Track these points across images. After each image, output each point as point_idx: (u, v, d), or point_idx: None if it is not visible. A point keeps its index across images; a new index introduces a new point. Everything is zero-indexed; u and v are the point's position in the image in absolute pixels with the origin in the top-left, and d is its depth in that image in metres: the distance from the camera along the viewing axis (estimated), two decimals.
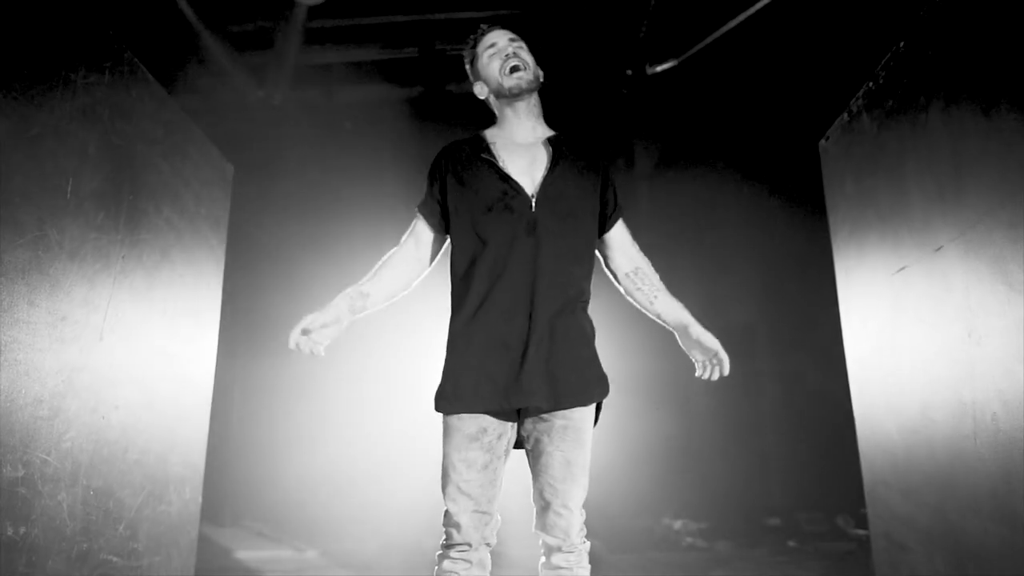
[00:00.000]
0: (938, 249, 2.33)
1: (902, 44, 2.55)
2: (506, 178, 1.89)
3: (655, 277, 2.05)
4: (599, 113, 5.27)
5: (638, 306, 2.06)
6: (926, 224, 2.40)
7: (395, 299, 2.03)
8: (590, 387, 1.88)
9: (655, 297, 2.02)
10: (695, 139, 5.48)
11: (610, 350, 5.23)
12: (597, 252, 2.08)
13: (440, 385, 1.88)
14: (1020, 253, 1.91)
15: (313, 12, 4.58)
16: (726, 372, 1.91)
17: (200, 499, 3.10)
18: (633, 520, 5.18)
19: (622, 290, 2.08)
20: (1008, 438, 2.01)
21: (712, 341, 1.92)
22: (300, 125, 5.47)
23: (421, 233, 2.02)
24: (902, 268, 2.58)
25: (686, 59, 4.87)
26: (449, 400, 1.84)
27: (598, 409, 1.95)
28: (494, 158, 1.93)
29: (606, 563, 4.37)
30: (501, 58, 1.98)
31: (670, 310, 2.01)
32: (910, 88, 2.49)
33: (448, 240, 2.03)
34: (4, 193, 1.98)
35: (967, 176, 2.15)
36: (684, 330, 1.97)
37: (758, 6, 4.32)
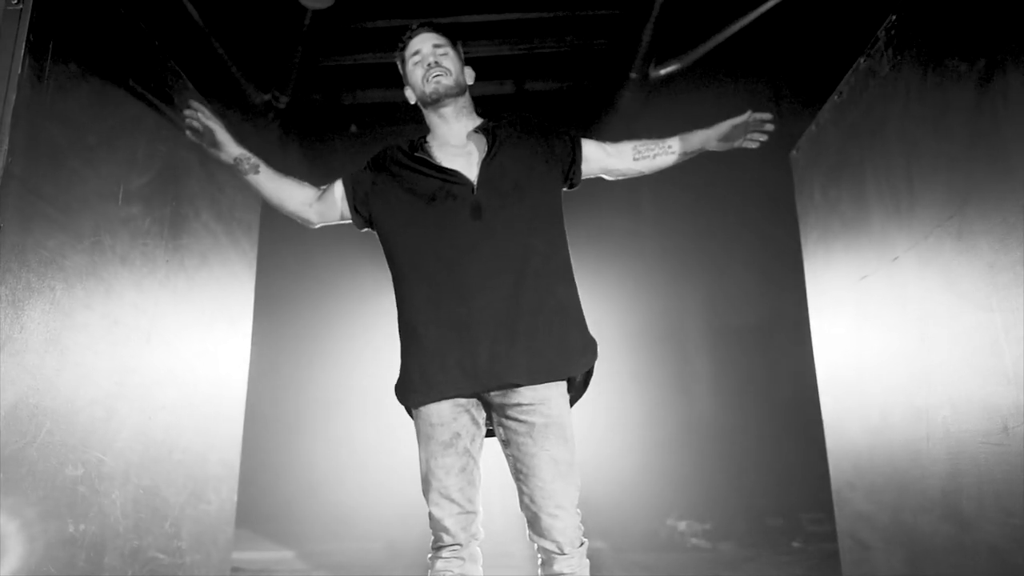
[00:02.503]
0: (895, 259, 2.43)
1: (862, 60, 2.64)
2: (443, 170, 1.90)
3: (651, 140, 2.08)
4: (602, 115, 5.37)
5: (668, 166, 2.10)
6: (884, 234, 2.51)
7: (263, 198, 2.08)
8: (571, 358, 1.86)
9: (668, 147, 2.07)
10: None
11: (614, 347, 5.32)
12: (606, 175, 2.10)
13: (403, 377, 1.87)
14: (965, 264, 2.02)
15: (319, 15, 4.63)
16: (766, 116, 2.03)
17: (236, 498, 3.17)
18: (638, 521, 5.23)
19: (647, 171, 2.10)
20: (956, 441, 2.11)
21: (733, 119, 2.04)
22: (305, 127, 5.51)
23: (335, 191, 2.05)
24: (864, 276, 2.68)
25: (677, 67, 4.97)
26: (419, 391, 1.82)
27: (588, 379, 1.92)
28: (429, 156, 1.94)
29: (611, 563, 4.43)
30: (424, 67, 1.96)
31: (688, 141, 2.08)
32: (869, 103, 2.59)
33: (336, 213, 2.06)
34: (66, 200, 2.04)
35: (919, 190, 2.26)
36: (711, 140, 2.06)
37: (752, 16, 4.43)
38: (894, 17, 2.39)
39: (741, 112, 2.08)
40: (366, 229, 2.06)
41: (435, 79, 1.95)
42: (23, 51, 1.84)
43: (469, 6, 4.81)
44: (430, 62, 1.96)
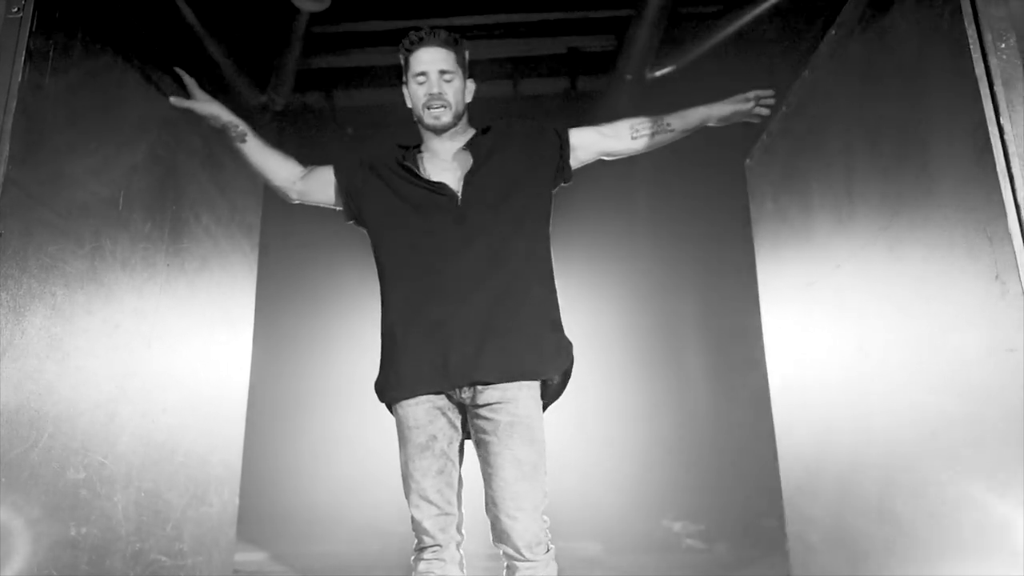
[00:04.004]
0: (837, 267, 2.48)
1: (807, 73, 2.66)
2: (429, 183, 1.92)
3: (649, 118, 2.07)
4: (598, 117, 5.37)
5: (666, 143, 2.09)
6: (827, 243, 2.56)
7: (246, 164, 2.11)
8: (545, 359, 1.87)
9: (667, 124, 2.06)
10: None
11: (609, 348, 5.33)
12: (605, 157, 2.09)
13: (380, 375, 1.91)
14: (897, 274, 2.08)
15: (315, 17, 4.64)
16: (767, 92, 2.08)
17: (237, 500, 3.18)
18: (633, 522, 5.20)
19: (645, 149, 2.09)
20: (891, 447, 2.17)
21: (736, 105, 2.08)
22: (303, 130, 5.52)
23: (323, 176, 2.07)
24: (811, 283, 2.72)
25: (673, 68, 4.98)
26: (393, 388, 1.87)
27: (565, 382, 1.93)
28: (417, 167, 1.96)
29: (606, 565, 4.43)
30: (425, 95, 1.95)
31: (686, 118, 2.08)
32: (813, 115, 2.64)
33: (321, 196, 2.09)
34: (68, 206, 2.06)
35: (858, 201, 2.32)
36: (711, 118, 2.08)
37: (749, 17, 4.45)
38: (833, 32, 2.42)
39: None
40: (351, 223, 2.09)
41: (434, 115, 1.95)
42: (23, 59, 1.86)
43: (466, 7, 4.82)
44: (433, 92, 1.95)
